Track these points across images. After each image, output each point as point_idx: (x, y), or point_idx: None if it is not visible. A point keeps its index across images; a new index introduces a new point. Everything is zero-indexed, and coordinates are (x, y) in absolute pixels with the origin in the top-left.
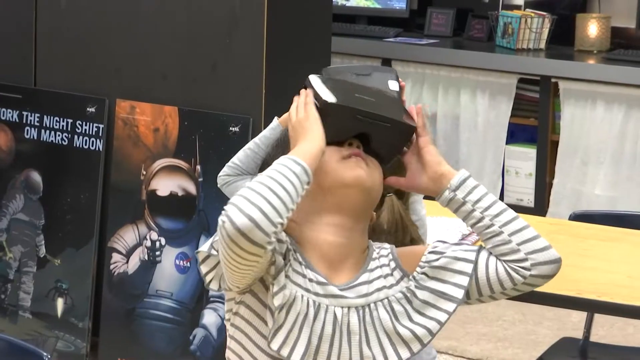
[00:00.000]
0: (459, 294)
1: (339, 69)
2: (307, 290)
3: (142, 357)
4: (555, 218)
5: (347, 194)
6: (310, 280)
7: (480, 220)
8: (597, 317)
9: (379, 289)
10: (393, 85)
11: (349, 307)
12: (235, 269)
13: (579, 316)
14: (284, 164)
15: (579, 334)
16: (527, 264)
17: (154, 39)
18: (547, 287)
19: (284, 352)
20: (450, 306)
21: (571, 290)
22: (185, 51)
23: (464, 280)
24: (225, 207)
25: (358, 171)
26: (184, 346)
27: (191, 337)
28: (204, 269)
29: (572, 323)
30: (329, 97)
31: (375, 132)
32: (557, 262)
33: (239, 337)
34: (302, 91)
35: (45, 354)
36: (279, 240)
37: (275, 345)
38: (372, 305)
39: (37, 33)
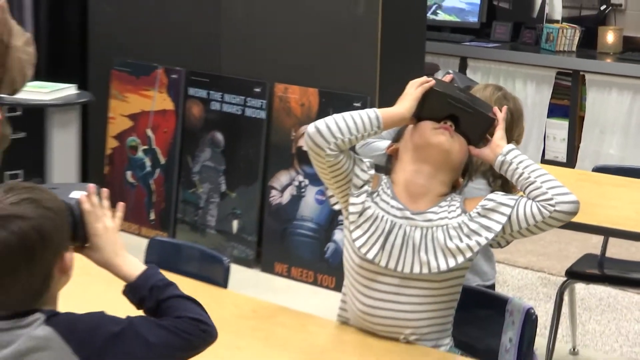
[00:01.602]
0: (497, 227)
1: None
2: (388, 212)
3: (292, 262)
4: (582, 170)
5: (430, 151)
6: (392, 206)
7: (521, 175)
8: (612, 240)
9: (442, 218)
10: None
11: (416, 227)
12: (318, 171)
13: (598, 239)
14: (367, 110)
15: (598, 252)
16: (552, 201)
17: (303, 40)
18: (576, 218)
19: (363, 250)
20: (489, 235)
21: (592, 220)
22: (323, 48)
23: (503, 219)
24: None
25: (441, 137)
26: (321, 255)
27: (325, 249)
28: (329, 192)
29: (592, 244)
30: (435, 86)
31: (462, 115)
32: (576, 202)
33: (346, 242)
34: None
35: (225, 258)
36: (362, 170)
37: (358, 243)
38: (434, 228)
39: (222, 34)
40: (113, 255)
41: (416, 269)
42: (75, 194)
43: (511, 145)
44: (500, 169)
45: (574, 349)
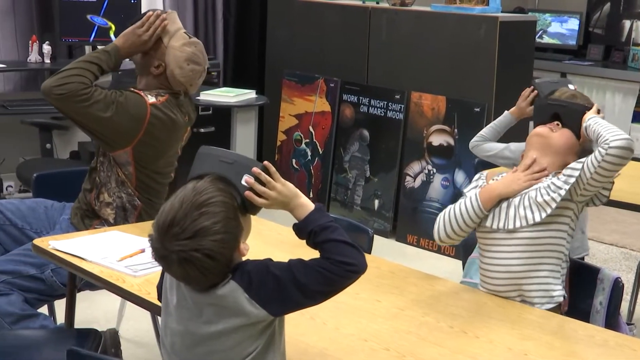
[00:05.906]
0: (572, 180)
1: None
2: None
3: (420, 234)
4: None
5: (533, 139)
6: None
7: (595, 130)
8: None
9: (537, 184)
10: (571, 86)
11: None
12: None
13: None
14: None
15: None
16: (607, 140)
17: (434, 58)
18: None
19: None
20: (566, 186)
21: None
22: (451, 64)
23: (576, 172)
24: None
25: (542, 130)
26: None
27: None
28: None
29: None
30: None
31: (561, 111)
32: (627, 138)
33: None
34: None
35: (369, 229)
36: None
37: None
38: (530, 191)
39: (370, 53)
40: (285, 205)
41: (517, 224)
42: (245, 179)
43: (592, 115)
44: (587, 134)
45: None
